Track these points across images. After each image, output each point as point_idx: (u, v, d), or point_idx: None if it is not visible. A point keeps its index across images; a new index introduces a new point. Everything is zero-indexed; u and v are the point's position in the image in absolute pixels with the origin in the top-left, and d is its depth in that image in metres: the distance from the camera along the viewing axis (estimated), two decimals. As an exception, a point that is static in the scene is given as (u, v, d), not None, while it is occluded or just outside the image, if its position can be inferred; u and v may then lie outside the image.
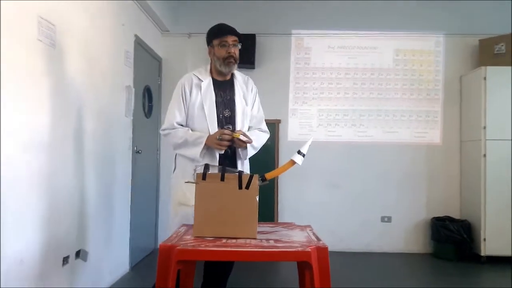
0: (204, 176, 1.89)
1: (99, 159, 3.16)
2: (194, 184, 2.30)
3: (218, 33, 2.36)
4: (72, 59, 2.71)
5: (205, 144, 2.27)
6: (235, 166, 2.37)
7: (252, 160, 2.54)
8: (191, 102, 2.36)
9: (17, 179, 2.14)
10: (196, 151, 2.28)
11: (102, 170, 3.23)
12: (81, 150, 2.85)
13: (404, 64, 4.95)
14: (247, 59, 4.69)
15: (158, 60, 4.77)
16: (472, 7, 4.84)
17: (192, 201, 2.32)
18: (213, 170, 2.25)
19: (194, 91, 2.37)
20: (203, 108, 2.34)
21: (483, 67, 4.44)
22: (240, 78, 2.50)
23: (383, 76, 4.95)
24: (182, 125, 2.39)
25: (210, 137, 2.27)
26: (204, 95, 2.36)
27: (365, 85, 4.95)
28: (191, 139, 2.31)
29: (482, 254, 4.32)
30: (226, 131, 2.25)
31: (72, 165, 2.72)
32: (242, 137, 2.26)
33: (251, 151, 2.43)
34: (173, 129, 2.37)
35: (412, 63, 4.95)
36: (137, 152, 3.96)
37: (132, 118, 3.83)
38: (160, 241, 2.32)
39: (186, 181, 2.04)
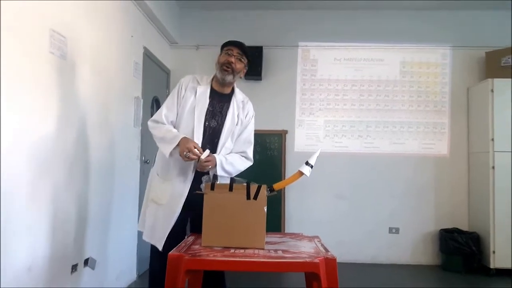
0: (212, 186, 1.91)
1: (108, 169, 3.20)
2: (167, 183, 2.31)
3: (227, 43, 2.43)
4: (82, 71, 2.75)
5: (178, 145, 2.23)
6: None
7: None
8: (183, 102, 2.37)
9: (26, 187, 2.17)
10: (167, 149, 2.26)
11: (111, 179, 3.26)
12: (90, 159, 2.88)
13: (410, 76, 4.96)
14: (254, 71, 4.72)
15: (166, 71, 4.82)
16: (479, 20, 4.87)
17: (162, 200, 2.32)
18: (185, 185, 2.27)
19: (189, 93, 2.37)
20: (193, 112, 2.34)
21: (489, 79, 4.44)
22: (240, 97, 2.48)
23: (389, 88, 4.96)
24: (172, 121, 2.37)
25: (183, 141, 2.21)
26: (197, 100, 2.36)
27: (372, 97, 4.97)
28: (168, 137, 2.29)
29: (491, 266, 4.27)
30: (195, 150, 2.17)
31: (81, 174, 2.75)
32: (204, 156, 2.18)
33: (221, 173, 2.30)
34: (160, 123, 2.36)
35: (419, 75, 4.96)
36: (145, 162, 3.99)
37: (140, 128, 3.87)
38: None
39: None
